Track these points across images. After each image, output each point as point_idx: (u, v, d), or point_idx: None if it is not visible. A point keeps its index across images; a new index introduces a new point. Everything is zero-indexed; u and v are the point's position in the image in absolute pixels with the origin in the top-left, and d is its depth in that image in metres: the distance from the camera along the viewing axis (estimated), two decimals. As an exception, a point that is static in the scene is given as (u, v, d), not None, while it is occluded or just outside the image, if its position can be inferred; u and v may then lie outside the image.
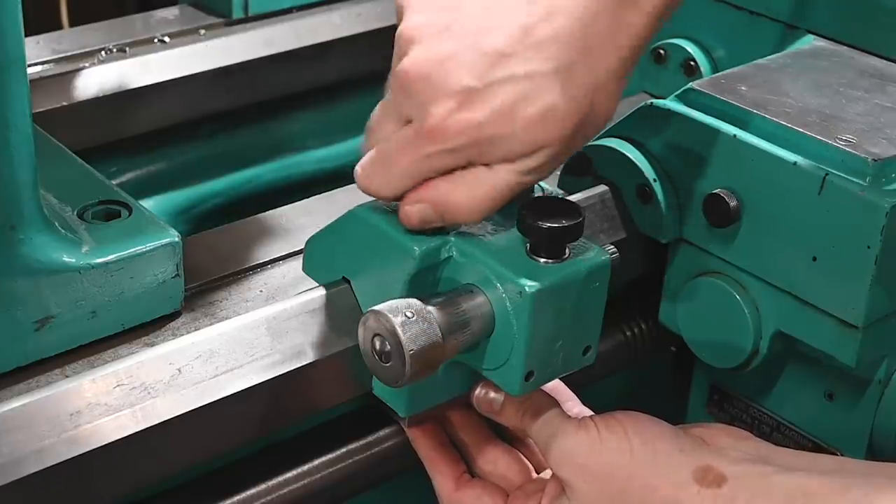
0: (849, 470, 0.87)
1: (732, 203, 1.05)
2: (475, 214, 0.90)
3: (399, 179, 0.90)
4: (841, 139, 1.01)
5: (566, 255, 0.90)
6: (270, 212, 1.14)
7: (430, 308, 0.87)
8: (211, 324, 0.96)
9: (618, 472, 0.89)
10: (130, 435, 0.87)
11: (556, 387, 1.01)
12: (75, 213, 0.96)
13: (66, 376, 0.89)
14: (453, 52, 0.86)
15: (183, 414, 0.89)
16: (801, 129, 1.03)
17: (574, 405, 1.02)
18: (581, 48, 0.85)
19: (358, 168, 0.92)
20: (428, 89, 0.86)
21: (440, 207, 0.89)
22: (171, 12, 1.50)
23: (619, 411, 0.92)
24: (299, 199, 1.17)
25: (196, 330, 0.95)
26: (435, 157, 0.87)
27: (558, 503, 0.92)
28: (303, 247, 1.03)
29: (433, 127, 0.86)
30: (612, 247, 0.98)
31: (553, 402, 0.94)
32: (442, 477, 0.98)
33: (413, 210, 0.90)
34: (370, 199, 0.96)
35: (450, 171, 0.89)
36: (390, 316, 0.85)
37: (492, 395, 0.95)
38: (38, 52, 1.35)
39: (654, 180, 1.09)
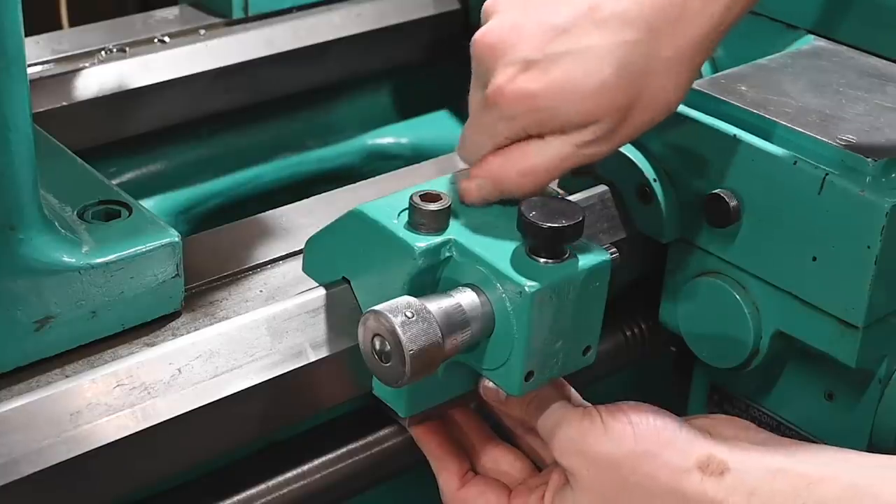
0: (852, 460, 0.87)
1: (732, 203, 1.05)
2: (530, 186, 0.94)
3: (476, 146, 0.95)
4: (841, 139, 1.01)
5: (566, 255, 0.90)
6: (270, 212, 1.14)
7: (430, 308, 0.87)
8: (211, 324, 0.96)
9: (621, 461, 0.89)
10: (130, 435, 0.87)
11: (558, 381, 1.01)
12: (75, 213, 0.96)
13: (66, 376, 0.89)
14: (520, 24, 0.91)
15: (183, 414, 0.89)
16: (801, 129, 1.03)
17: (576, 399, 1.02)
18: (644, 29, 0.89)
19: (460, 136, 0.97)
20: (492, 57, 0.91)
21: (497, 181, 0.94)
22: (171, 12, 1.50)
23: (623, 402, 0.92)
24: (299, 199, 1.17)
25: (196, 330, 0.95)
26: (497, 123, 0.92)
27: (562, 493, 0.92)
28: (303, 247, 1.03)
29: (492, 93, 0.91)
30: (613, 247, 0.98)
31: (557, 393, 0.95)
32: (447, 474, 0.99)
33: (472, 185, 0.95)
34: (370, 199, 0.96)
35: (508, 144, 0.93)
36: (390, 316, 0.85)
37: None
38: (38, 52, 1.35)
39: (654, 180, 1.09)
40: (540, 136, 0.92)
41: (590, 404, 1.01)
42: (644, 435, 0.89)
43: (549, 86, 0.89)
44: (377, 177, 1.25)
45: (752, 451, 0.89)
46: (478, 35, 0.93)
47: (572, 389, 1.00)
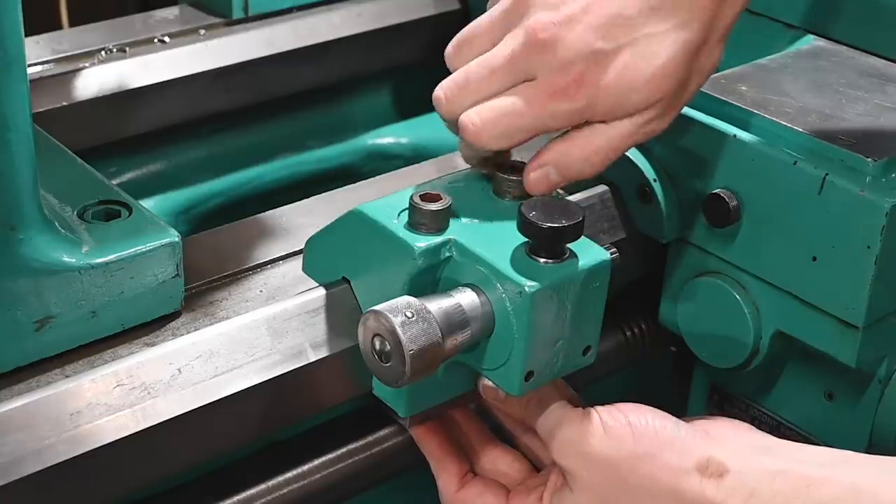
0: (852, 461, 0.87)
1: (732, 203, 1.05)
2: (597, 169, 0.96)
3: (518, 134, 0.94)
4: (841, 139, 1.01)
5: (566, 255, 0.90)
6: (270, 212, 1.14)
7: (430, 308, 0.87)
8: (211, 324, 0.96)
9: (620, 462, 0.89)
10: (130, 435, 0.87)
11: (557, 382, 1.01)
12: (75, 213, 0.96)
13: (66, 376, 0.89)
14: (580, 15, 0.91)
15: (183, 414, 0.89)
16: (801, 129, 1.03)
17: (575, 400, 1.02)
18: (696, 8, 0.92)
19: (471, 120, 0.95)
20: (560, 50, 0.91)
21: (562, 168, 0.95)
22: (171, 12, 1.50)
23: (623, 403, 0.92)
24: (299, 199, 1.17)
25: (196, 330, 0.95)
26: (560, 115, 0.93)
27: (560, 494, 0.92)
28: (303, 247, 1.03)
29: (564, 87, 0.91)
30: (613, 247, 0.98)
31: (557, 394, 0.95)
32: (447, 475, 0.99)
33: (539, 175, 0.95)
34: (370, 199, 0.96)
35: (566, 130, 0.94)
36: (390, 316, 0.85)
37: None
38: (38, 52, 1.35)
39: (654, 180, 1.09)
40: (603, 120, 0.94)
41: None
42: (643, 436, 0.89)
43: (620, 76, 0.91)
44: (377, 177, 1.25)
45: (751, 452, 0.89)
46: (536, 25, 0.92)
47: (571, 390, 1.00)
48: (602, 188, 1.12)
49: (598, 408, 0.92)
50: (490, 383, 0.93)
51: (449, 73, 0.97)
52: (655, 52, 0.91)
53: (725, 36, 0.96)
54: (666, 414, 0.92)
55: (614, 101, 0.92)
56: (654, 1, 0.91)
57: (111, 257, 0.92)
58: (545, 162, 0.95)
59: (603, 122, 0.94)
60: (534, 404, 0.95)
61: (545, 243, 0.89)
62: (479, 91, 0.95)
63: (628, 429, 0.90)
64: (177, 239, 0.95)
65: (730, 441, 0.90)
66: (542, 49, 0.92)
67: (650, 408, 0.92)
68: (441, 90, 0.96)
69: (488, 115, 0.94)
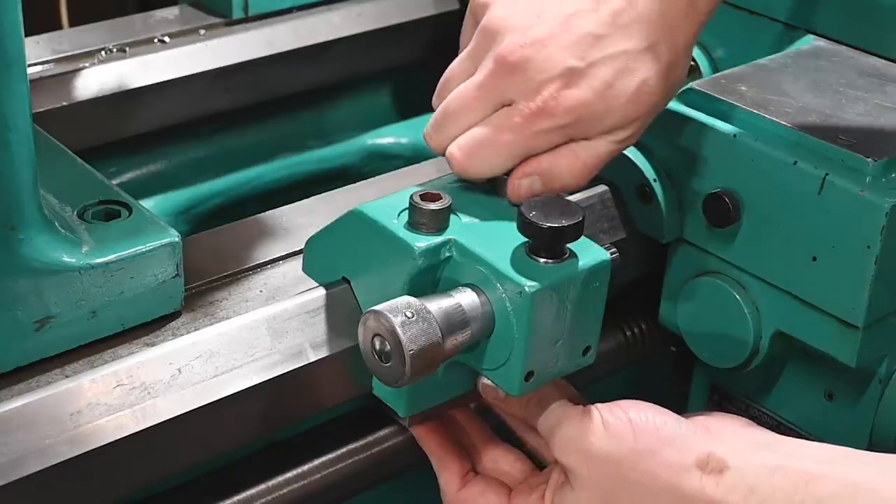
0: (851, 457, 0.87)
1: (732, 203, 1.05)
2: (580, 181, 0.97)
3: (503, 159, 0.96)
4: (841, 139, 1.01)
5: (566, 255, 0.90)
6: (270, 212, 1.14)
7: (430, 308, 0.87)
8: (211, 324, 0.96)
9: (620, 459, 0.89)
10: (130, 435, 0.87)
11: (558, 381, 1.01)
12: (75, 213, 0.95)
13: (66, 376, 0.89)
14: (550, 36, 0.93)
15: (183, 414, 0.89)
16: (801, 129, 1.03)
17: (576, 398, 1.02)
18: (663, 28, 0.94)
19: (452, 154, 0.97)
20: (531, 71, 0.92)
21: (547, 179, 0.96)
22: (171, 12, 1.50)
23: (623, 400, 0.92)
24: (299, 199, 1.17)
25: (196, 330, 0.95)
26: (541, 134, 0.94)
27: (562, 492, 0.92)
28: (303, 247, 1.03)
29: (542, 107, 0.93)
30: (613, 247, 0.98)
31: (557, 392, 0.95)
32: (449, 474, 0.99)
33: (523, 183, 0.96)
34: (370, 199, 0.96)
35: (552, 147, 0.95)
36: (390, 316, 0.85)
37: None
38: (38, 52, 1.35)
39: (654, 180, 1.09)
40: (585, 137, 0.95)
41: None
42: (643, 433, 0.89)
43: (595, 91, 0.92)
44: (377, 177, 1.25)
45: (751, 448, 0.89)
46: (504, 51, 0.93)
47: (572, 389, 1.00)
48: (602, 188, 1.12)
49: (599, 405, 0.92)
50: (490, 382, 0.93)
51: None
52: (632, 69, 0.93)
53: (691, 49, 0.98)
54: (666, 411, 0.92)
55: (595, 118, 0.94)
56: (623, 21, 0.93)
57: (111, 257, 0.92)
58: (531, 172, 0.96)
59: (585, 139, 0.95)
60: (534, 403, 0.95)
61: (545, 243, 0.89)
62: (459, 122, 0.97)
63: (629, 425, 0.90)
64: (177, 239, 0.95)
65: (729, 437, 0.90)
66: (513, 71, 0.93)
67: (651, 405, 0.92)
68: (426, 129, 0.99)
69: (468, 144, 0.96)
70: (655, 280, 1.15)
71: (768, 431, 0.93)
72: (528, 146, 0.95)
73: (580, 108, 0.93)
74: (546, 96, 0.92)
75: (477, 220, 0.94)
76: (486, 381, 0.93)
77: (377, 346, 0.87)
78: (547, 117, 0.93)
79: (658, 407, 0.92)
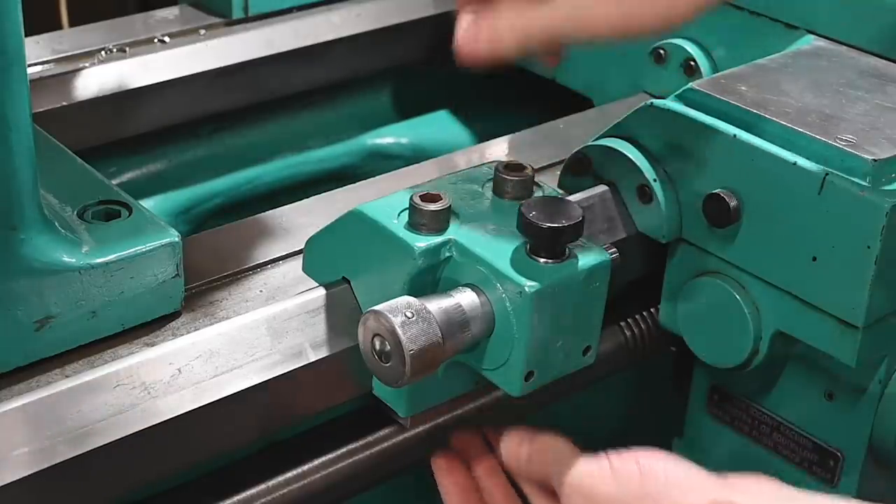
0: None
1: (732, 203, 1.04)
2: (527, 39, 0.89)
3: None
4: (841, 139, 1.01)
5: (566, 255, 0.90)
6: (270, 212, 1.14)
7: (430, 308, 0.87)
8: (211, 324, 0.96)
9: (628, 501, 0.88)
10: (130, 435, 0.87)
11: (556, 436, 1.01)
12: (75, 213, 0.96)
13: (66, 376, 0.89)
14: None
15: (183, 414, 0.89)
16: (801, 129, 1.03)
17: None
18: None
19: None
20: None
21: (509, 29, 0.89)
22: (171, 12, 1.50)
23: (637, 449, 0.91)
24: (299, 199, 1.17)
25: (196, 330, 0.95)
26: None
27: None
28: (303, 247, 1.03)
29: None
30: (613, 247, 0.98)
31: (566, 443, 0.95)
32: None
33: (484, 28, 0.90)
34: (370, 199, 0.96)
35: None
36: (390, 316, 0.85)
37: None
38: (38, 52, 1.35)
39: (654, 180, 1.09)
40: None
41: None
42: (651, 476, 0.88)
43: None
44: (377, 177, 1.25)
45: (768, 500, 0.86)
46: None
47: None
48: (602, 188, 1.12)
49: (608, 452, 0.91)
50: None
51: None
52: None
53: None
54: (682, 459, 0.90)
55: None
56: None
57: (111, 257, 0.92)
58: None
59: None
60: (536, 458, 0.95)
61: (545, 243, 0.89)
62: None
63: (636, 468, 0.88)
64: (177, 239, 0.95)
65: (752, 488, 0.87)
66: None
67: (666, 453, 0.90)
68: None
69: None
70: (655, 280, 1.15)
71: (793, 487, 0.89)
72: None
73: None
74: None
75: (477, 220, 0.94)
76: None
77: (377, 346, 0.87)
78: None
79: (675, 456, 0.90)
